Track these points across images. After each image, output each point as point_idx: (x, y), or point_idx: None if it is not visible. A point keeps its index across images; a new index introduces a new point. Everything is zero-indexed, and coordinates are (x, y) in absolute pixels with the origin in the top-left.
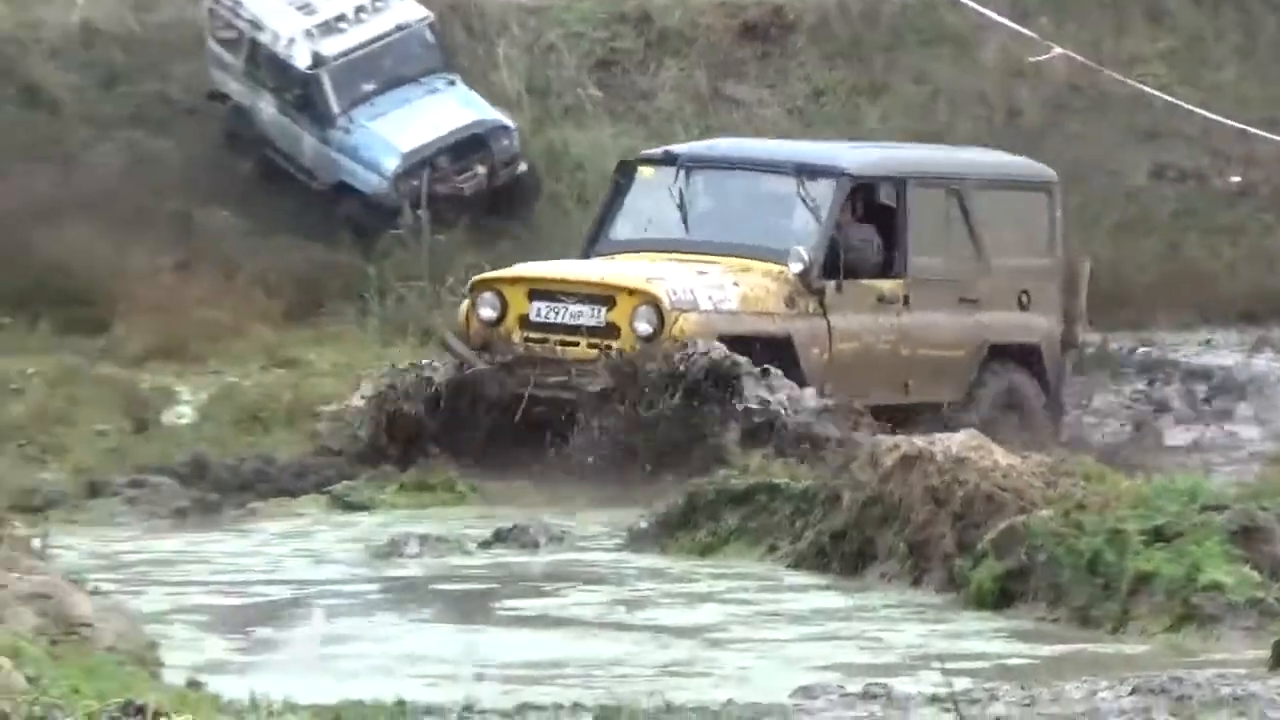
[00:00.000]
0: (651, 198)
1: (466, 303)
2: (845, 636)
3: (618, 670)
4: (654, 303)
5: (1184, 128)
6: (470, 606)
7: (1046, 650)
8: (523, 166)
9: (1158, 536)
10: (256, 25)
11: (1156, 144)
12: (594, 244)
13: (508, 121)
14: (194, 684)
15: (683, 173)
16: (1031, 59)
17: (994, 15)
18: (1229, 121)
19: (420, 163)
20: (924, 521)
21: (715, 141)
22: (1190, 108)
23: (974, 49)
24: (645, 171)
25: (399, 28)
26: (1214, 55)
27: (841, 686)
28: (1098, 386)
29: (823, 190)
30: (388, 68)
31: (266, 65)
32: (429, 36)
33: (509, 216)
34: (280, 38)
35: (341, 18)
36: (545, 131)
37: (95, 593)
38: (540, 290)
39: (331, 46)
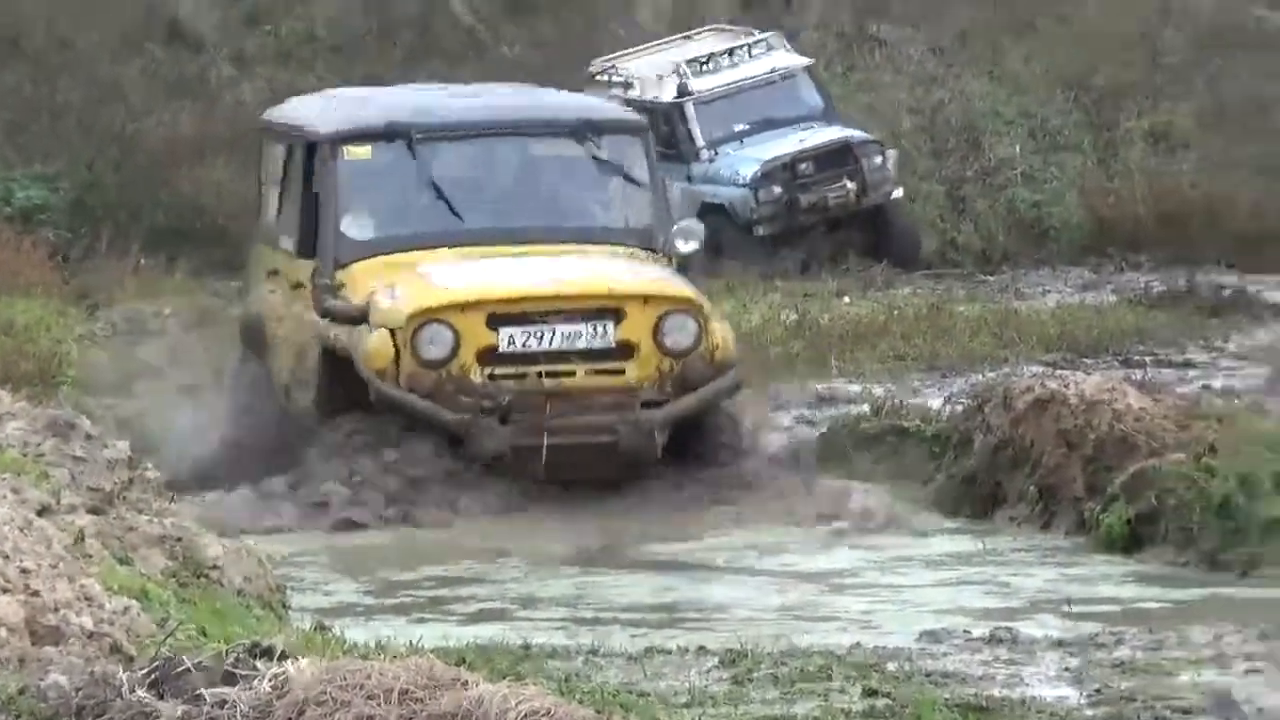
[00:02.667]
0: (383, 181)
1: (386, 338)
2: (973, 581)
3: (743, 614)
4: (689, 308)
5: None
6: (597, 550)
7: (1175, 594)
8: (898, 192)
9: None
10: (627, 85)
11: None
12: (325, 249)
13: (879, 141)
14: (321, 627)
15: (420, 147)
16: None
17: None
18: None
19: (782, 168)
20: (1055, 465)
21: (435, 102)
22: None
23: None
24: (359, 151)
25: (774, 71)
26: None
27: (968, 631)
28: (1234, 329)
29: (631, 149)
30: (761, 110)
31: None
32: (808, 83)
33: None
34: (649, 83)
35: (711, 58)
36: None
37: (224, 536)
38: (506, 314)
39: (700, 84)
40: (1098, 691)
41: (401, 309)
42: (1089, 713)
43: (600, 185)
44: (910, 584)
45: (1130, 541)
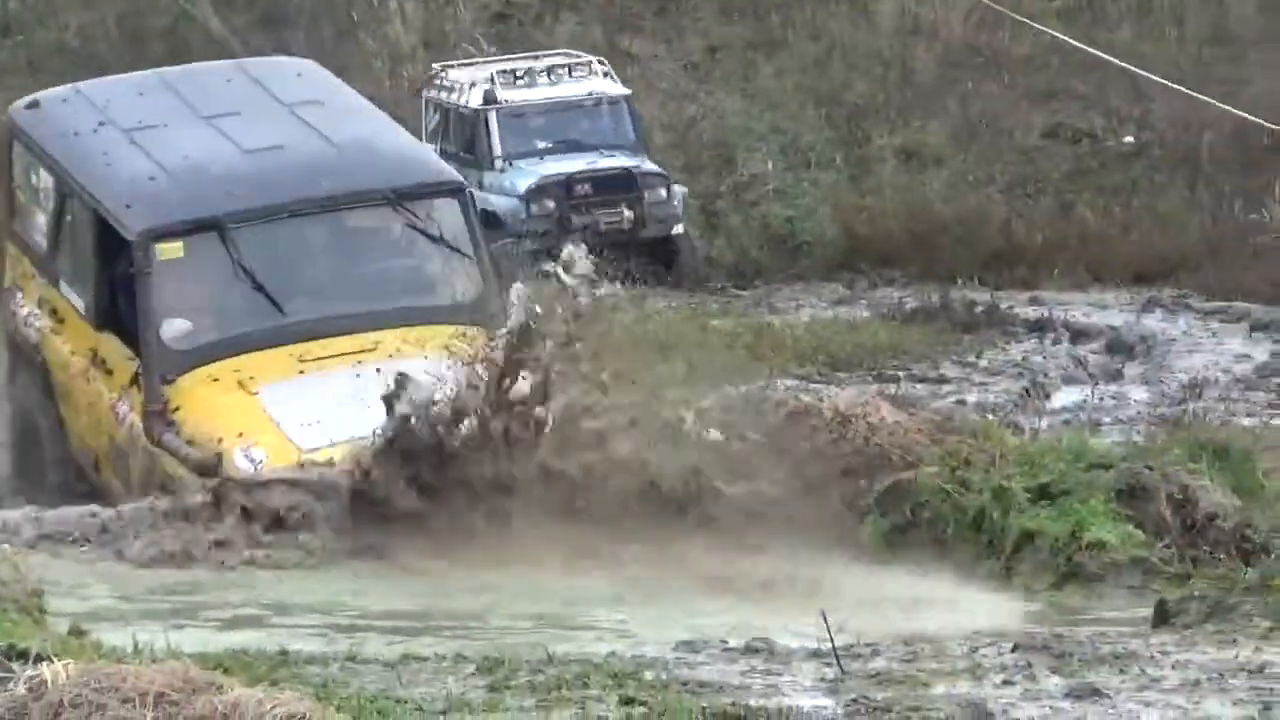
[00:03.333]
0: (194, 280)
1: (239, 509)
2: (730, 591)
3: (499, 622)
4: None
5: (1079, 87)
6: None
7: (930, 606)
8: (679, 228)
9: (1043, 494)
10: (450, 89)
11: (1051, 104)
12: (149, 361)
13: (667, 175)
14: (78, 632)
15: (230, 236)
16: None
17: None
18: (1133, 69)
19: (557, 184)
20: (810, 477)
21: (243, 173)
22: (1096, 52)
23: (871, 5)
24: (170, 249)
25: (591, 95)
26: (1110, 14)
27: (724, 640)
28: (987, 345)
29: (449, 212)
30: (569, 131)
31: (450, 127)
32: (623, 113)
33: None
34: (463, 89)
35: (528, 72)
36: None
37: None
38: None
39: (509, 94)
40: (854, 702)
41: (262, 474)
42: None
43: (422, 257)
44: (666, 594)
45: (886, 553)
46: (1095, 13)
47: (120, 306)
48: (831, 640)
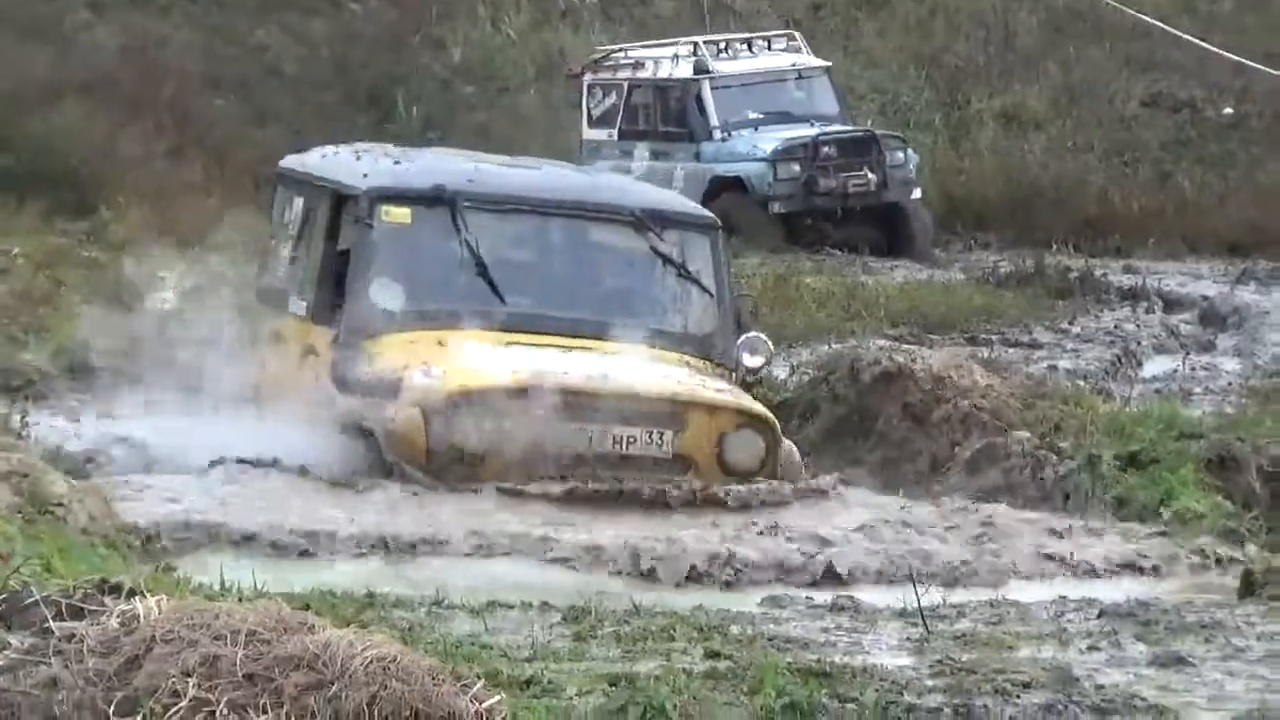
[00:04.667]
0: (422, 250)
1: (418, 419)
2: None
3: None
4: (758, 425)
5: (1179, 58)
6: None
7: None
8: (917, 192)
9: (1132, 462)
10: (638, 65)
11: (1151, 73)
12: (351, 316)
13: (904, 139)
14: (167, 568)
15: (462, 215)
16: None
17: None
18: (1225, 53)
19: (803, 147)
20: (900, 438)
21: (488, 170)
22: (1187, 37)
23: None
24: (399, 213)
25: (794, 67)
26: None
27: (810, 598)
28: (1080, 311)
29: (698, 247)
30: (777, 103)
31: (643, 104)
32: (825, 85)
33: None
34: (662, 63)
35: (729, 45)
36: (541, 33)
37: (71, 473)
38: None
39: (718, 66)
40: (939, 662)
41: (439, 387)
42: (929, 683)
43: (660, 283)
44: (751, 548)
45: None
46: None
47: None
48: (918, 600)
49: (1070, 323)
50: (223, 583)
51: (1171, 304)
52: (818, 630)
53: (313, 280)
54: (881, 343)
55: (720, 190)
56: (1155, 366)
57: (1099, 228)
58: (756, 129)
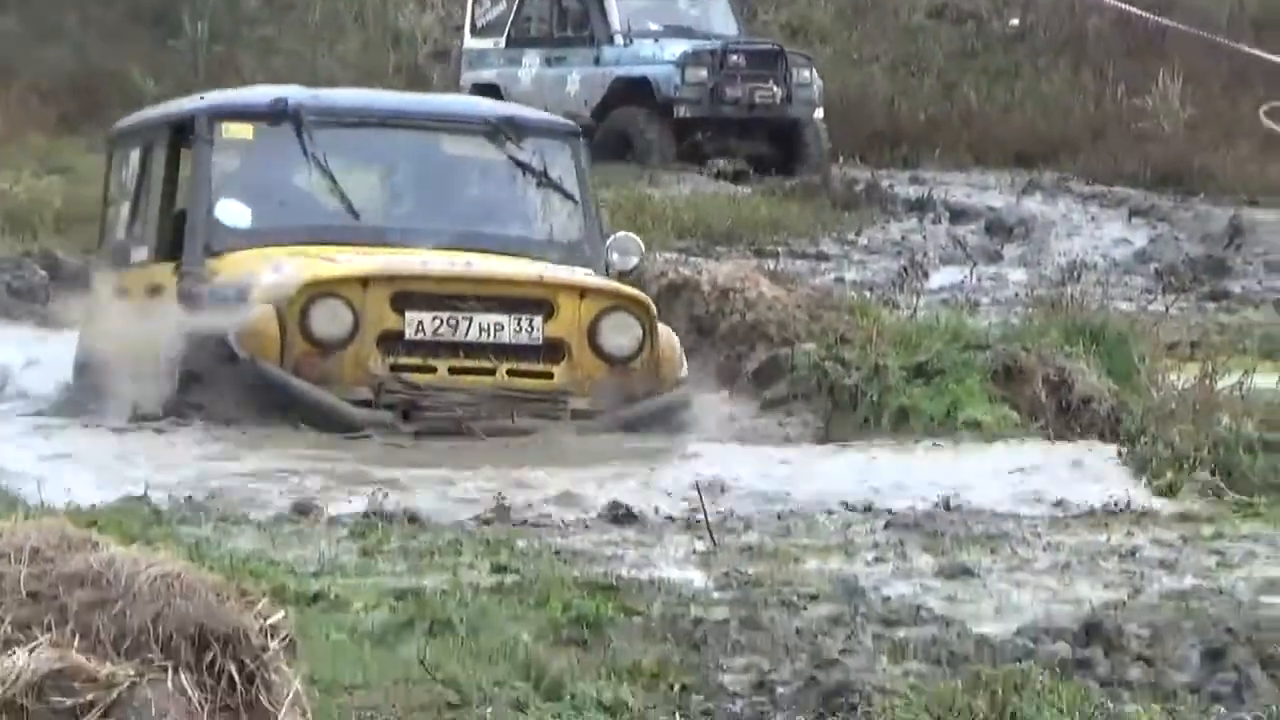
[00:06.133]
0: (265, 168)
1: (270, 315)
2: (600, 464)
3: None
4: (632, 308)
5: None
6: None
7: (802, 480)
8: (819, 113)
9: (919, 373)
10: None
11: None
12: (194, 236)
13: (810, 58)
14: None
15: (308, 132)
16: None
17: None
18: None
19: (711, 53)
20: (687, 350)
21: (334, 92)
22: None
23: None
24: (239, 130)
25: None
26: None
27: (597, 511)
28: (867, 223)
29: (560, 157)
30: (677, 19)
31: (536, 11)
32: (726, 8)
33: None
34: None
35: None
36: None
37: None
38: (415, 295)
39: None
40: (725, 575)
41: (292, 281)
42: (716, 596)
43: (521, 193)
44: (536, 464)
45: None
46: None
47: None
48: (704, 513)
49: (857, 234)
50: (7, 498)
51: (958, 215)
52: (605, 544)
53: (154, 222)
54: (668, 255)
55: (621, 94)
56: (942, 277)
57: (885, 139)
58: (657, 40)
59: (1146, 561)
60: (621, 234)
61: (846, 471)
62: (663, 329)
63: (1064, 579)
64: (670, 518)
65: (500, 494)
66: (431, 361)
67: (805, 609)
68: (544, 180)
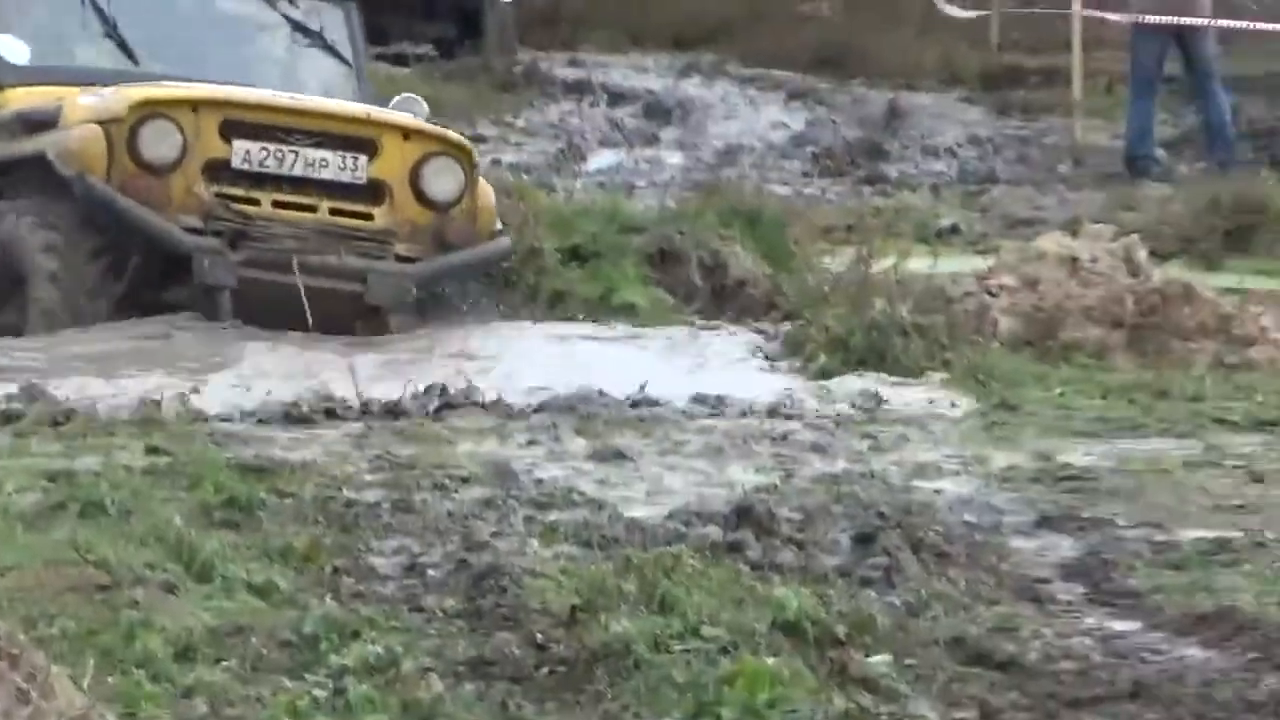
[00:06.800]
0: (40, 6)
1: (97, 134)
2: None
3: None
4: (456, 154)
5: None
6: None
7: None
8: None
9: (575, 256)
10: None
11: None
12: None
13: None
14: None
15: None
16: None
17: None
18: None
19: None
20: None
21: None
22: None
23: None
24: None
25: None
26: None
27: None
28: (525, 105)
29: (334, 19)
30: None
31: None
32: None
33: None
34: None
35: None
36: None
37: None
38: (244, 124)
39: None
40: (378, 458)
41: (120, 101)
42: (368, 478)
43: (297, 53)
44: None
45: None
46: None
47: None
48: (358, 395)
49: (514, 116)
50: None
51: (616, 98)
52: (258, 427)
53: None
54: None
55: None
56: (599, 160)
57: (543, 20)
58: None
59: (799, 445)
60: (406, 95)
61: (506, 354)
62: (480, 180)
63: (716, 463)
64: (330, 408)
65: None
66: (255, 193)
67: (457, 492)
68: (319, 41)
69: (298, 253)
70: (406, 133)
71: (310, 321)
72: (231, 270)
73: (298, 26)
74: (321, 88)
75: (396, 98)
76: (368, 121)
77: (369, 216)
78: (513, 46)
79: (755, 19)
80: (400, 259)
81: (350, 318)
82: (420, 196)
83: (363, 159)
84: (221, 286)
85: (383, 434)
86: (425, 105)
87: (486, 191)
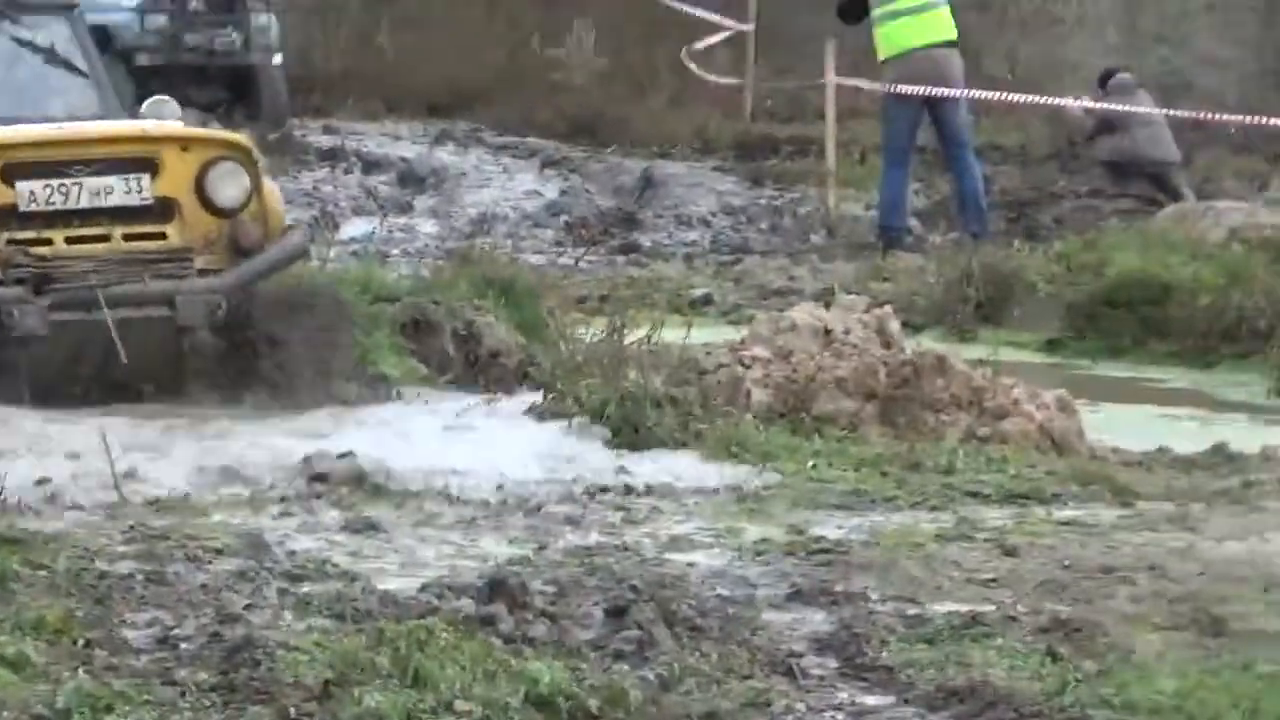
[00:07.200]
0: None
1: None
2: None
3: None
4: (237, 156)
5: None
6: None
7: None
8: (277, 59)
9: None
10: None
11: None
12: None
13: (268, 2)
14: None
15: None
16: None
17: None
18: None
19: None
20: None
21: None
22: None
23: None
24: None
25: None
26: None
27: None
28: (279, 173)
29: (61, 31)
30: None
31: None
32: None
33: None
34: None
35: None
36: None
37: None
38: (23, 164)
39: None
40: (131, 529)
41: None
42: (121, 549)
43: (31, 75)
44: None
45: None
46: None
47: None
48: (111, 464)
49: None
50: None
51: (370, 165)
52: (13, 498)
53: None
54: None
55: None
56: (353, 228)
57: (299, 87)
58: None
59: (553, 518)
60: (156, 98)
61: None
62: (265, 179)
63: (469, 535)
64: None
65: None
66: (46, 233)
67: (211, 564)
68: (52, 58)
69: (102, 287)
70: (185, 143)
71: (124, 356)
72: (43, 316)
73: (24, 44)
74: (66, 107)
75: (147, 102)
76: (144, 138)
77: (162, 236)
78: (286, 110)
79: (509, 87)
80: (204, 272)
81: (163, 344)
82: (208, 206)
83: (145, 178)
84: (36, 335)
85: (136, 505)
86: (176, 105)
87: (273, 190)
